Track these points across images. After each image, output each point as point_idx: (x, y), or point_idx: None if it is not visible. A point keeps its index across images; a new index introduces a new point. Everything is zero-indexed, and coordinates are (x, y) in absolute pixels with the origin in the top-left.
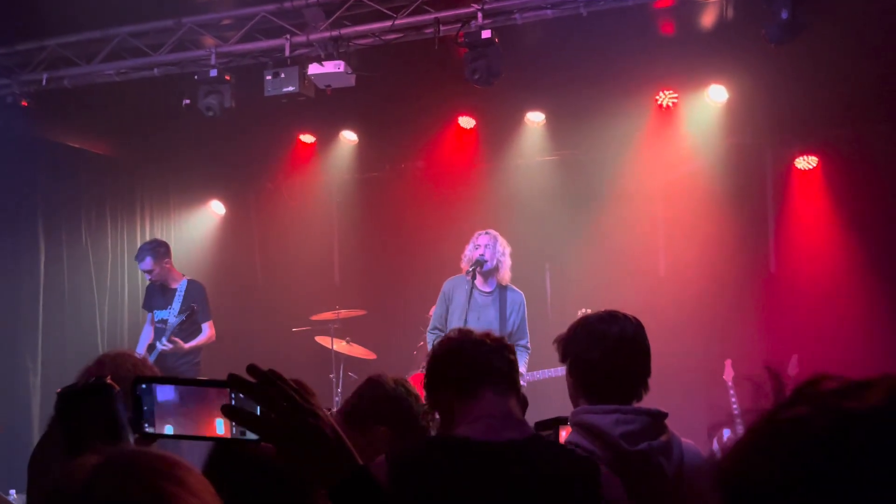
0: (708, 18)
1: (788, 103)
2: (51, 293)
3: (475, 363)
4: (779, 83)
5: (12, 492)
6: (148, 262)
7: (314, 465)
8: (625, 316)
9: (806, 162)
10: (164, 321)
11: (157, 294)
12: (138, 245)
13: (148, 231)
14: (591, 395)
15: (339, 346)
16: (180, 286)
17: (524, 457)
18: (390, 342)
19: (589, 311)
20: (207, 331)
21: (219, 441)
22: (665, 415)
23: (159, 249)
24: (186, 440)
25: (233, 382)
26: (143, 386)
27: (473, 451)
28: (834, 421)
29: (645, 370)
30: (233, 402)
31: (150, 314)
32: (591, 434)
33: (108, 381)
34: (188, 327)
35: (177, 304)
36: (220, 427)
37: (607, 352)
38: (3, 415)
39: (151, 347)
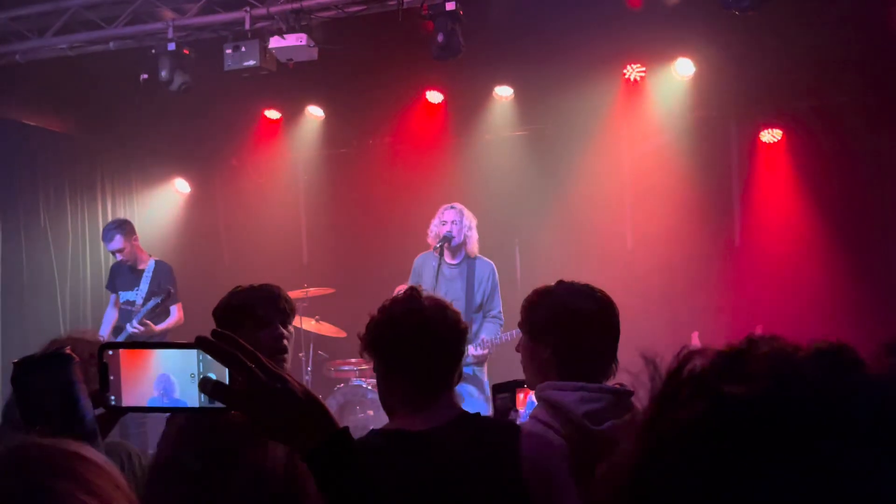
0: None
1: (754, 77)
2: (8, 275)
3: (436, 369)
4: (744, 57)
5: None
6: (118, 241)
7: (289, 429)
8: (598, 292)
9: (771, 135)
10: (131, 302)
11: (124, 274)
12: (101, 225)
13: (110, 210)
14: (560, 371)
15: (308, 324)
16: (148, 267)
17: (446, 441)
18: (360, 320)
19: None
20: (176, 313)
21: (186, 411)
22: (631, 393)
23: (126, 227)
24: (153, 413)
25: (200, 344)
26: (110, 352)
27: (399, 443)
28: (730, 415)
29: (614, 348)
30: (200, 369)
31: (113, 295)
32: (555, 410)
33: (67, 350)
34: (158, 310)
35: (144, 286)
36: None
37: (578, 329)
38: None
39: (118, 330)
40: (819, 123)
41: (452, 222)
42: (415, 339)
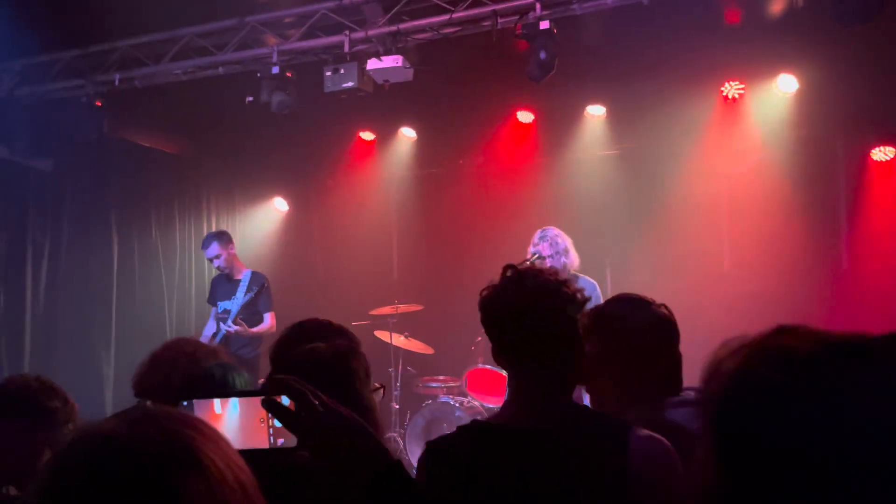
0: (777, 5)
1: (863, 92)
2: (123, 287)
3: (522, 330)
4: (852, 72)
5: None
6: (214, 248)
7: (347, 462)
8: (651, 307)
9: (882, 153)
10: (228, 311)
11: (222, 285)
12: None
13: (214, 226)
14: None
15: (398, 340)
16: (244, 277)
17: (550, 440)
18: (448, 338)
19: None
20: (269, 320)
21: (257, 453)
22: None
23: (222, 236)
24: None
25: (272, 383)
26: (185, 404)
27: (500, 437)
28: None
29: (668, 365)
30: (270, 414)
31: (214, 308)
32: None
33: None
34: (250, 317)
35: (240, 294)
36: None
37: (631, 347)
38: (78, 405)
39: (214, 337)
40: None
41: (549, 257)
42: (523, 321)
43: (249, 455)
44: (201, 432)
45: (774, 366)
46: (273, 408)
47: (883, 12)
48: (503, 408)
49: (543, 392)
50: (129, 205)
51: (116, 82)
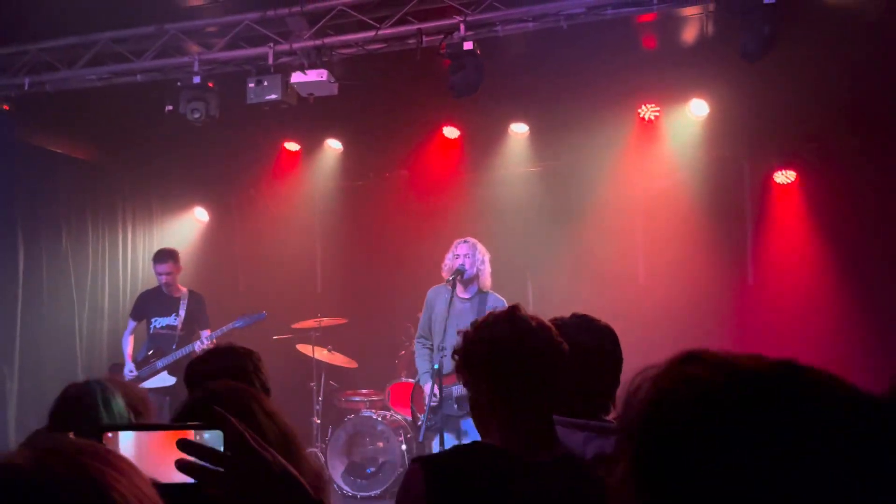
0: (689, 34)
1: (767, 118)
2: (29, 299)
3: (523, 368)
4: (758, 98)
5: None
6: (170, 265)
7: (268, 501)
8: (599, 325)
9: (784, 176)
10: (172, 326)
11: (160, 301)
12: (121, 251)
13: (130, 238)
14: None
15: (321, 354)
16: (183, 295)
17: (549, 477)
18: (372, 351)
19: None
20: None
21: (181, 487)
22: None
23: (176, 256)
24: None
25: (194, 425)
26: (110, 435)
27: (508, 463)
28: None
29: (616, 382)
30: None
31: (132, 322)
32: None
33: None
34: (189, 334)
35: (183, 311)
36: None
37: (580, 363)
38: None
39: (159, 353)
40: (831, 164)
41: (465, 256)
42: (515, 362)
43: (172, 489)
44: (113, 465)
45: (682, 398)
46: (191, 448)
47: (775, 49)
48: (500, 435)
49: (542, 429)
50: (37, 213)
51: (26, 86)
